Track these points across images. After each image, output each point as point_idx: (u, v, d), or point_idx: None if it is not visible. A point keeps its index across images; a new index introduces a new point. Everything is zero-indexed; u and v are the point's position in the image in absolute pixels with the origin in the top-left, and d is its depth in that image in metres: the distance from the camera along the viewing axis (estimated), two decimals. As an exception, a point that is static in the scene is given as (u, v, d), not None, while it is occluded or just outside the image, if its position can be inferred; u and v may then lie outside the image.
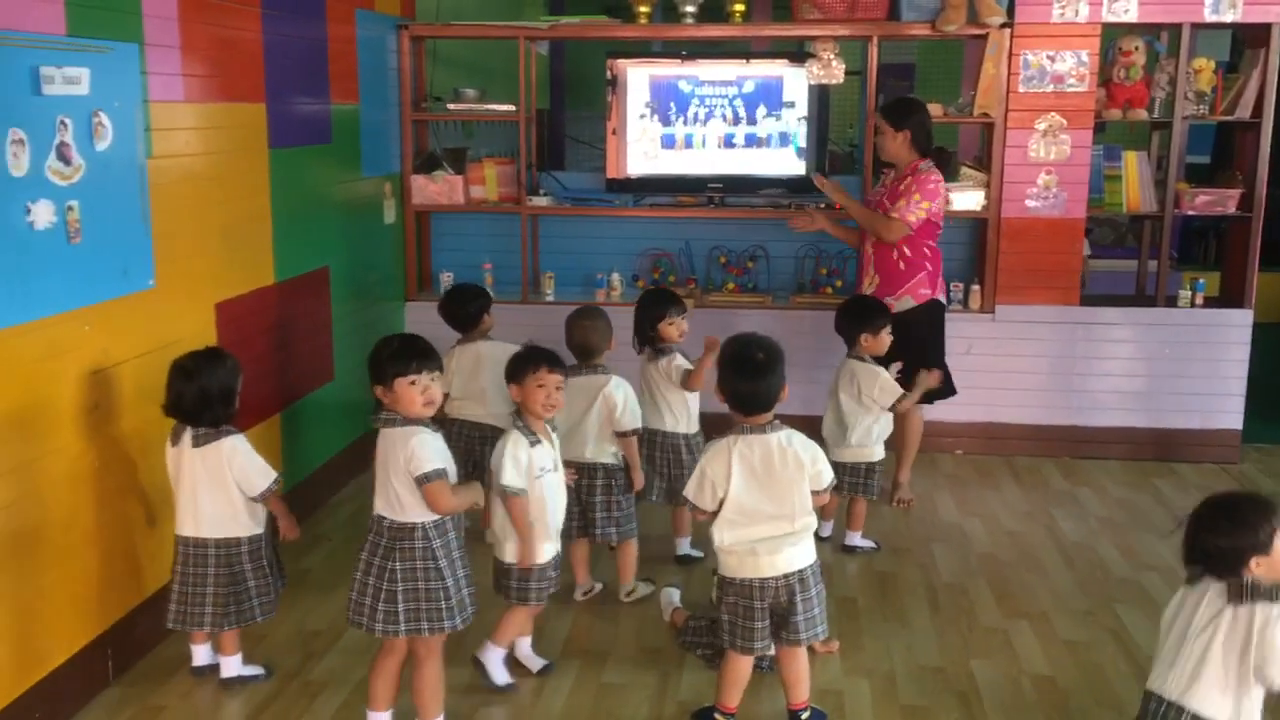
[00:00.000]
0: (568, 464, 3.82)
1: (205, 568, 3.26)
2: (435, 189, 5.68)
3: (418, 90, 5.73)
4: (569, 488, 3.76)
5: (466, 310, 4.37)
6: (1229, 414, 5.42)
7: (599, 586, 4.06)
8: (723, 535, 3.01)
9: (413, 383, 2.94)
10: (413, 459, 2.92)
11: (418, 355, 2.98)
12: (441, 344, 4.13)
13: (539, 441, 3.32)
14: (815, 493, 3.04)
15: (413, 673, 3.09)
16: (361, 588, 3.01)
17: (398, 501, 2.97)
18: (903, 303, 4.79)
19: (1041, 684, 3.47)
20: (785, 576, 3.00)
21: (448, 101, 5.78)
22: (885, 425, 4.40)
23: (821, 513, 4.34)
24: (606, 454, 3.89)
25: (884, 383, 4.32)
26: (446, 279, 5.73)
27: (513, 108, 5.63)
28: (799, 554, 3.02)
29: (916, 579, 4.23)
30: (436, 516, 2.99)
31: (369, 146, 5.25)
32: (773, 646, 3.11)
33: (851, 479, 4.34)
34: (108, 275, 3.28)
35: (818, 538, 4.33)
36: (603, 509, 3.90)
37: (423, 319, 5.58)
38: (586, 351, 3.90)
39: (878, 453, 4.38)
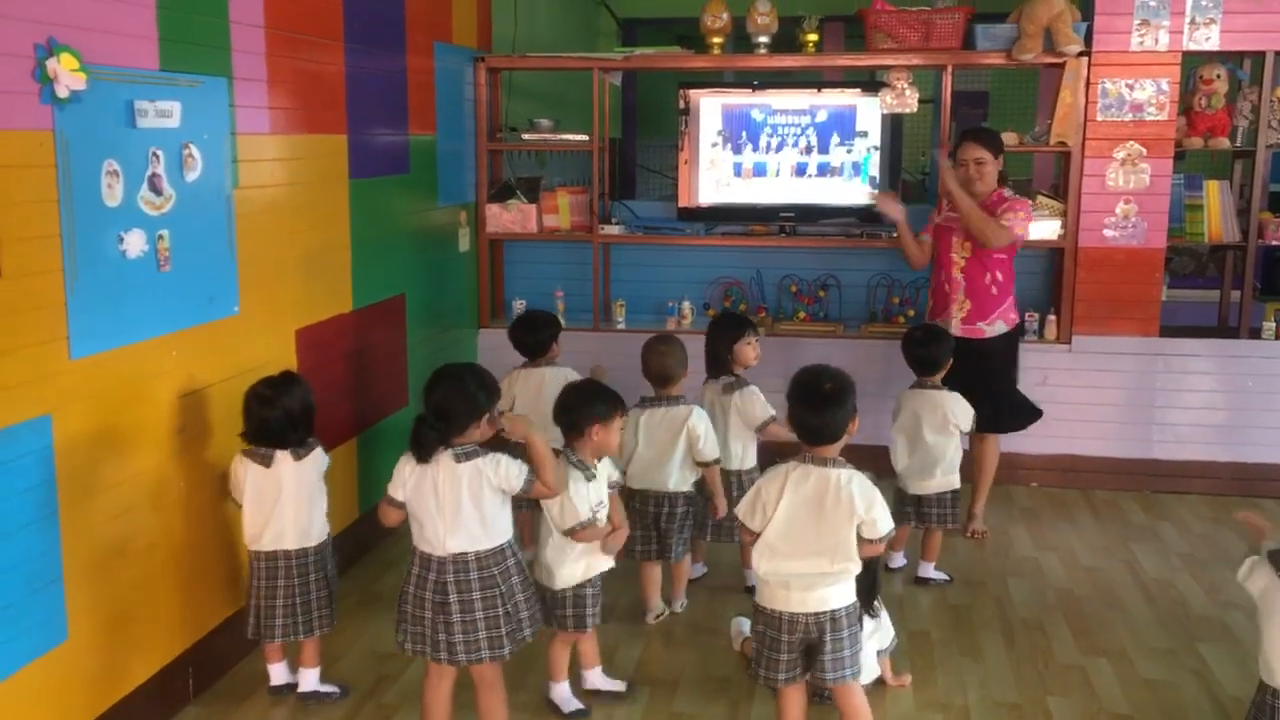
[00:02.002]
0: (647, 493, 3.92)
1: (308, 575, 3.39)
2: (509, 217, 5.75)
3: (493, 121, 5.82)
4: (648, 513, 3.89)
5: (537, 338, 4.44)
6: (1315, 448, 5.28)
7: (668, 610, 4.08)
8: (761, 562, 3.01)
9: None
10: (506, 479, 3.00)
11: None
12: (508, 368, 4.23)
13: (594, 477, 3.36)
14: (869, 542, 2.98)
15: (479, 698, 3.14)
16: (432, 624, 3.01)
17: (482, 529, 2.99)
18: (995, 328, 4.78)
19: (1121, 723, 3.40)
20: (816, 615, 2.96)
21: (522, 131, 5.87)
22: (955, 454, 4.36)
23: (891, 544, 4.32)
24: (687, 483, 3.95)
25: (965, 407, 4.31)
26: (519, 306, 5.79)
27: (585, 137, 5.69)
28: (834, 594, 2.97)
29: (991, 613, 4.16)
30: (511, 535, 3.07)
31: (445, 176, 5.34)
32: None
33: (940, 510, 4.31)
34: (195, 302, 3.37)
35: (888, 569, 4.35)
36: (679, 533, 3.97)
37: (495, 345, 5.66)
38: (664, 379, 3.94)
39: (953, 482, 4.34)
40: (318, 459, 3.43)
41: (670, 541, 3.97)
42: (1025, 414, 4.87)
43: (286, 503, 3.34)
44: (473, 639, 3.01)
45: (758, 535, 3.03)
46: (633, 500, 3.97)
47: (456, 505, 2.97)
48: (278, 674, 3.51)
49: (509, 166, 6.05)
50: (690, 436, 3.87)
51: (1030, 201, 4.82)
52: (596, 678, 3.55)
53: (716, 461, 3.93)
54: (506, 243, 5.99)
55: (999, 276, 4.75)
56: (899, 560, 4.47)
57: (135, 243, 3.07)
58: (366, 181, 4.49)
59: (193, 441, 3.40)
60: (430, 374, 3.08)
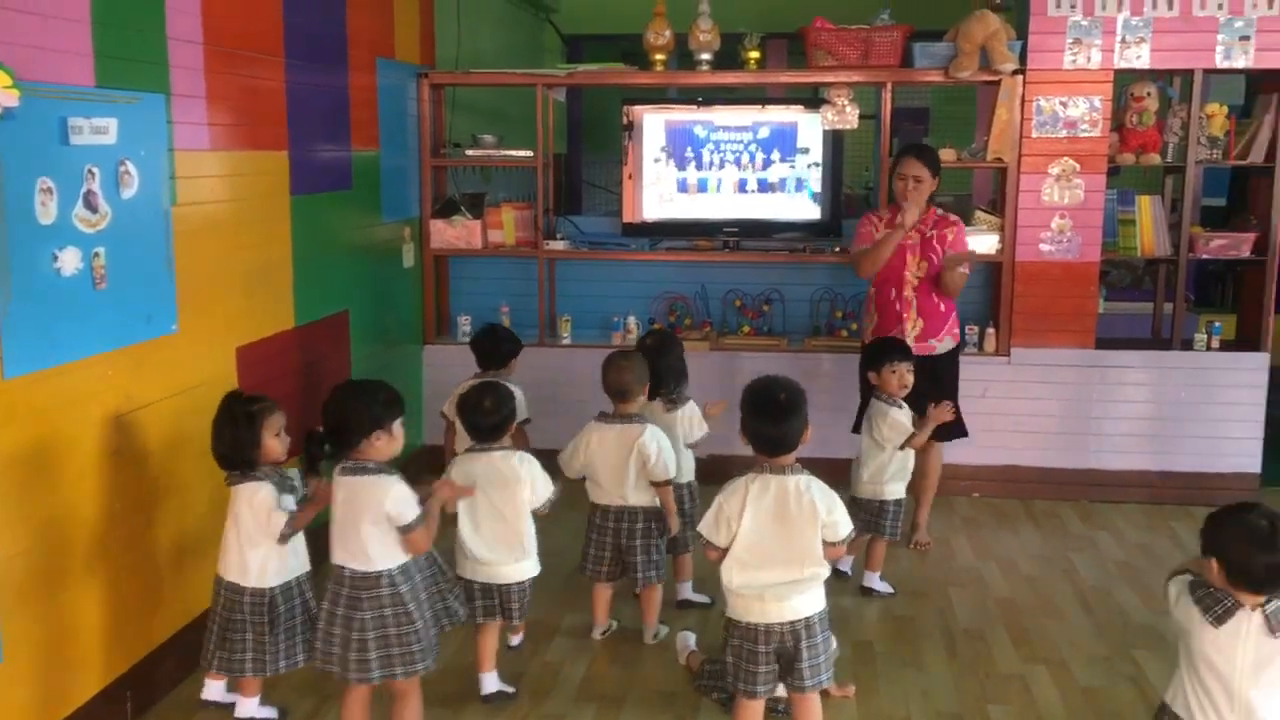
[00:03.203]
0: (607, 509, 3.95)
1: (239, 614, 3.28)
2: (453, 233, 5.74)
3: (437, 136, 5.81)
4: (606, 528, 3.91)
5: (499, 350, 4.54)
6: (1246, 457, 5.40)
7: (615, 625, 4.08)
8: (732, 576, 3.02)
9: (402, 424, 3.08)
10: (397, 510, 2.99)
11: (400, 398, 3.13)
12: (455, 382, 4.22)
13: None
14: (831, 544, 3.03)
15: (393, 709, 3.15)
16: (328, 636, 3.06)
17: (363, 551, 3.01)
18: (945, 344, 4.86)
19: (1059, 730, 3.46)
20: (791, 623, 3.01)
21: (466, 148, 5.87)
22: (899, 465, 4.40)
23: (874, 564, 4.44)
24: (648, 498, 3.93)
25: (892, 421, 4.34)
26: (465, 322, 5.79)
27: (530, 153, 5.70)
28: (807, 601, 3.02)
29: (933, 623, 4.21)
30: (403, 561, 3.05)
31: (389, 192, 5.33)
32: (781, 689, 3.11)
33: (865, 516, 4.36)
34: (132, 321, 3.33)
35: (838, 574, 4.39)
36: (642, 552, 3.94)
37: (440, 361, 5.66)
38: (622, 394, 3.93)
39: (889, 491, 4.38)
40: (243, 493, 3.23)
41: (634, 560, 3.92)
42: (961, 425, 4.91)
43: (228, 532, 3.28)
44: (364, 659, 3.02)
45: (724, 551, 3.04)
46: (594, 515, 4.00)
47: (342, 518, 3.03)
48: (213, 690, 3.48)
49: (453, 182, 6.04)
50: (640, 455, 3.85)
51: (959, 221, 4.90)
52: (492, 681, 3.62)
53: (669, 482, 3.90)
54: (451, 258, 5.98)
55: (944, 296, 4.84)
56: (846, 564, 4.52)
57: (70, 260, 3.03)
58: (308, 197, 4.47)
59: (130, 462, 3.35)
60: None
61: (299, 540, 3.33)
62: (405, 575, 3.06)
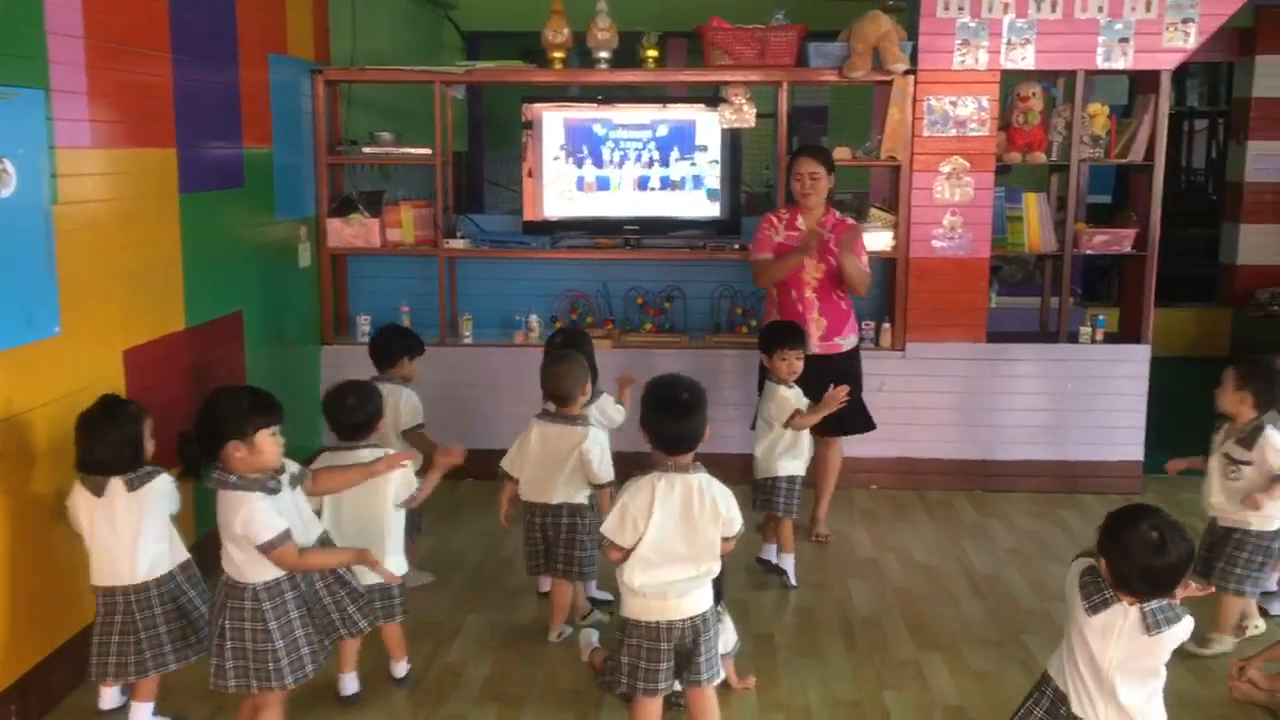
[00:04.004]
0: (534, 505, 3.94)
1: (151, 610, 3.23)
2: (351, 232, 5.67)
3: (333, 134, 5.73)
4: (534, 524, 3.92)
5: (390, 348, 4.40)
6: (1130, 446, 5.59)
7: (569, 630, 4.06)
8: (634, 576, 3.02)
9: (274, 434, 2.99)
10: (250, 530, 2.92)
11: (277, 405, 3.03)
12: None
13: (279, 488, 3.08)
14: (726, 539, 3.07)
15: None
16: (209, 639, 3.05)
17: (231, 561, 2.99)
18: (848, 341, 4.95)
19: (952, 714, 3.54)
20: (692, 619, 3.04)
21: (363, 145, 5.79)
22: (788, 443, 4.48)
23: (783, 545, 4.52)
24: (576, 495, 3.92)
25: (779, 399, 4.46)
26: (364, 322, 5.72)
27: (428, 151, 5.65)
28: (703, 597, 3.06)
29: (832, 614, 4.28)
30: (268, 578, 2.99)
31: (283, 190, 5.23)
32: (677, 684, 3.14)
33: (761, 495, 4.51)
34: (11, 323, 3.22)
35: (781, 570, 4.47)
36: (565, 547, 3.93)
37: (339, 362, 5.57)
38: (562, 400, 3.91)
39: (780, 468, 4.46)
40: (157, 487, 3.25)
41: (571, 553, 3.91)
42: (866, 420, 5.01)
43: (122, 534, 3.20)
44: (221, 665, 3.00)
45: (628, 552, 3.04)
46: (525, 513, 4.00)
47: (221, 528, 2.98)
48: (109, 698, 3.41)
49: (350, 180, 5.96)
50: (583, 460, 3.84)
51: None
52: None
53: (610, 484, 3.88)
54: (349, 257, 5.90)
55: (844, 291, 4.91)
56: (789, 562, 4.57)
57: (-57, 262, 2.93)
58: (198, 196, 4.37)
59: (13, 469, 3.24)
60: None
61: (174, 533, 3.31)
62: (272, 593, 3.00)
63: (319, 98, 5.56)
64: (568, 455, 3.85)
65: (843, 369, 4.82)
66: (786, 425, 4.44)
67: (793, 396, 4.46)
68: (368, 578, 3.38)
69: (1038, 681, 2.88)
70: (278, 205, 5.19)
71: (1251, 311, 8.75)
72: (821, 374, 4.58)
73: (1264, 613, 4.24)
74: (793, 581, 4.51)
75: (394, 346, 4.42)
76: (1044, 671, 2.86)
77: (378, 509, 3.47)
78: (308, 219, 5.57)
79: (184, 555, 3.35)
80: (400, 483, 3.47)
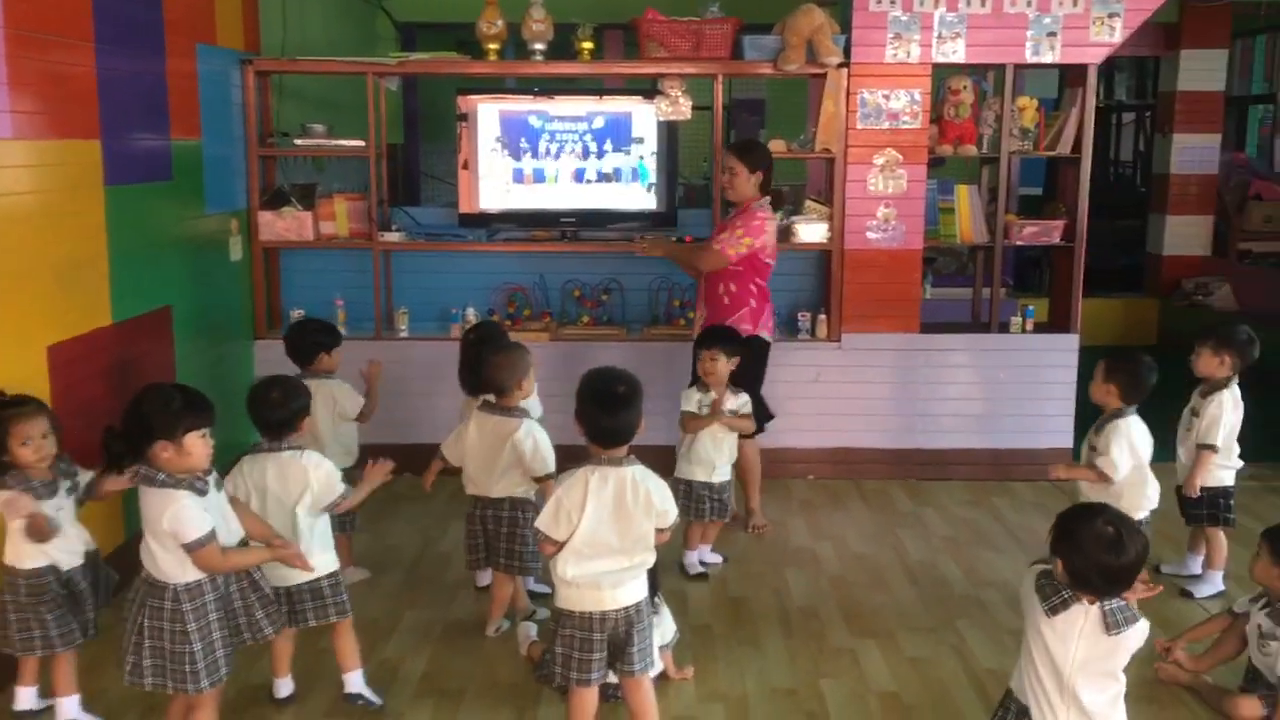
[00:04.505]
0: (475, 499, 3.91)
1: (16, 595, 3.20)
2: (283, 225, 5.59)
3: (264, 125, 5.64)
4: (475, 517, 3.90)
5: (304, 343, 4.32)
6: (1060, 433, 5.69)
7: (506, 625, 4.03)
8: (567, 568, 3.02)
9: (204, 436, 2.94)
10: (177, 528, 2.89)
11: (208, 406, 2.99)
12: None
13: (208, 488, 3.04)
14: (660, 531, 3.08)
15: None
16: (126, 634, 3.00)
17: (153, 560, 2.95)
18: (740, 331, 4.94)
19: (887, 700, 3.58)
20: (625, 609, 3.04)
21: (295, 137, 5.71)
22: (686, 446, 4.51)
23: (686, 543, 4.52)
24: (515, 489, 3.88)
25: (682, 398, 4.54)
26: (297, 316, 5.64)
27: (362, 143, 5.59)
28: (637, 587, 3.07)
29: (770, 603, 4.32)
30: (190, 579, 2.95)
31: (213, 183, 5.15)
32: (612, 675, 3.14)
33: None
34: (-73, 319, 3.14)
35: (700, 576, 4.50)
36: (506, 540, 3.90)
37: (272, 357, 5.47)
38: (498, 391, 3.88)
39: (679, 470, 4.50)
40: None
41: (513, 547, 3.88)
42: (762, 418, 5.00)
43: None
44: (139, 663, 2.96)
45: (561, 545, 3.03)
46: (468, 506, 3.98)
47: (145, 525, 2.95)
48: (25, 698, 3.34)
49: (282, 172, 5.88)
50: (516, 450, 3.81)
51: (767, 217, 4.87)
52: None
53: (550, 476, 3.83)
54: (282, 251, 5.82)
55: (732, 288, 4.84)
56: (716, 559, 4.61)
57: None
58: (124, 188, 4.28)
59: (-71, 469, 3.16)
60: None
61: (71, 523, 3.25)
62: (192, 594, 2.95)
63: (249, 89, 5.47)
64: (503, 446, 3.82)
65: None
66: (686, 428, 4.49)
67: (692, 397, 4.51)
68: (295, 578, 3.34)
69: (1000, 700, 2.88)
70: (207, 198, 5.11)
71: (1177, 301, 8.97)
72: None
73: (1188, 595, 4.36)
74: (702, 568, 4.55)
75: (307, 342, 4.33)
76: (1006, 689, 2.86)
77: (292, 507, 3.35)
78: (239, 212, 5.49)
79: (79, 553, 3.27)
80: (319, 489, 3.34)
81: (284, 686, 3.53)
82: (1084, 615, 2.63)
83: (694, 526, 4.55)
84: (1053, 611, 2.64)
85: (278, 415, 3.37)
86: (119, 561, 4.10)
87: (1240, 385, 4.37)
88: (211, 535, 2.92)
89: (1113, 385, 3.98)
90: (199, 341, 5.00)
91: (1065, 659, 2.65)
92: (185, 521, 2.88)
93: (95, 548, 3.34)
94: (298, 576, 3.34)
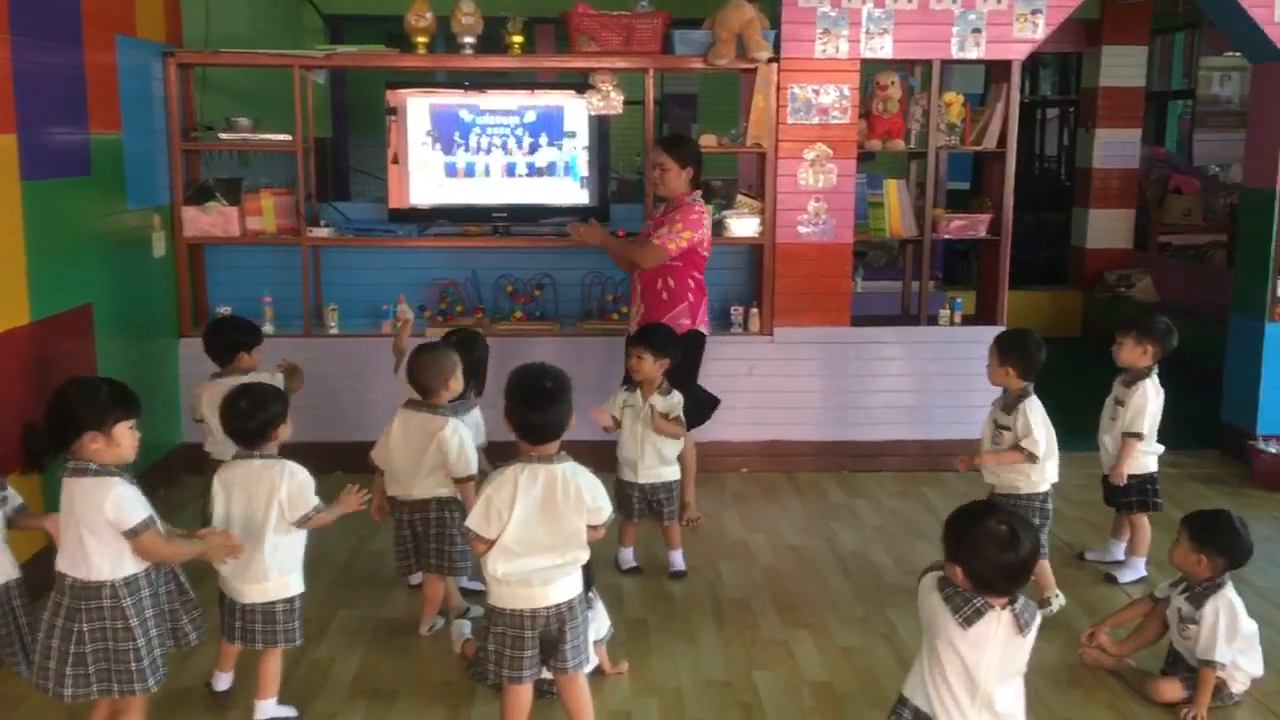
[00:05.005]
0: (399, 501, 3.85)
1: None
2: (208, 220, 5.49)
3: (187, 119, 5.53)
4: (401, 521, 3.83)
5: (222, 342, 4.23)
6: (988, 424, 5.78)
7: (441, 622, 4.00)
8: (497, 565, 3.00)
9: (132, 427, 2.91)
10: (119, 513, 2.85)
11: (133, 398, 2.96)
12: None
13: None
14: (594, 528, 3.07)
15: None
16: (45, 650, 2.90)
17: (84, 558, 2.88)
18: (675, 327, 4.94)
19: (819, 690, 3.62)
20: (556, 606, 3.03)
21: (220, 131, 5.61)
22: (621, 445, 4.50)
23: (674, 541, 4.54)
24: (439, 489, 3.84)
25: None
26: (224, 313, 5.54)
27: (288, 137, 5.51)
28: (570, 585, 3.05)
29: (704, 596, 4.34)
30: (127, 574, 2.91)
31: (134, 177, 5.04)
32: (545, 672, 3.14)
33: None
34: None
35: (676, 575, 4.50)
36: (435, 541, 3.86)
37: (198, 354, 5.36)
38: (423, 390, 3.84)
39: (618, 469, 4.50)
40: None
41: (442, 548, 3.85)
42: (704, 409, 5.04)
43: None
44: (82, 673, 2.89)
45: (492, 543, 3.01)
46: (393, 511, 3.93)
47: (65, 523, 2.89)
48: None
49: (207, 167, 5.77)
50: (440, 450, 3.77)
51: (704, 210, 4.91)
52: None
53: (471, 478, 3.81)
54: (207, 247, 5.72)
55: (670, 284, 4.85)
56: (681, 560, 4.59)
57: None
58: (41, 183, 4.18)
59: None
60: None
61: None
62: (131, 588, 2.92)
63: (171, 81, 5.36)
64: (428, 445, 3.79)
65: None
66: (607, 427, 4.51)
67: (616, 396, 4.52)
68: (251, 596, 3.26)
69: (894, 704, 2.81)
70: (129, 193, 5.00)
71: (1100, 293, 9.15)
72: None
73: (1112, 580, 4.46)
74: (631, 564, 4.57)
75: (226, 341, 4.23)
76: (899, 694, 2.80)
77: (258, 527, 3.24)
78: (161, 207, 5.38)
79: (10, 575, 3.17)
80: (290, 500, 3.23)
81: (223, 680, 3.48)
82: (997, 621, 2.60)
83: (625, 524, 4.55)
84: (967, 623, 2.60)
85: (245, 426, 3.26)
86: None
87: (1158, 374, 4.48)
88: (152, 520, 2.90)
89: (1009, 367, 4.07)
90: (121, 340, 4.90)
91: (980, 667, 2.62)
92: (126, 506, 2.85)
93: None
94: (254, 595, 3.26)
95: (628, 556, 4.58)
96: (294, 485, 3.24)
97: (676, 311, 4.86)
